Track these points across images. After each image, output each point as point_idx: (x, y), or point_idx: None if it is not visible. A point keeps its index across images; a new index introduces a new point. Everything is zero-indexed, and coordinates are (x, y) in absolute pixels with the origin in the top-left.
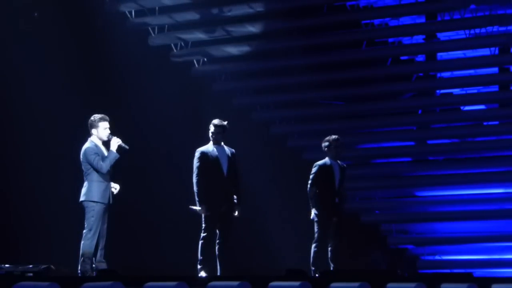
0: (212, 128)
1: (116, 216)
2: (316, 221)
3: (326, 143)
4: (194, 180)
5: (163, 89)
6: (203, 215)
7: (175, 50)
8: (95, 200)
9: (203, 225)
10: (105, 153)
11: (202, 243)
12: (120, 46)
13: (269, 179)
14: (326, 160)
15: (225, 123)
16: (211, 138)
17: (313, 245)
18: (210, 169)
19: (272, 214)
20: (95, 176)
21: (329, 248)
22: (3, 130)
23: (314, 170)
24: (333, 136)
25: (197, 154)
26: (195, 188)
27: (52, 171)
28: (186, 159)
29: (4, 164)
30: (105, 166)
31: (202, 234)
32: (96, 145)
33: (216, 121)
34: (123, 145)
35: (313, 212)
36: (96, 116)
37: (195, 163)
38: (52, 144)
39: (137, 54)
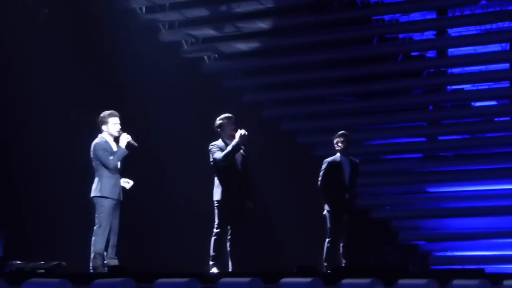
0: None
1: (128, 213)
2: (328, 217)
3: (335, 139)
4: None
5: (173, 85)
6: (216, 211)
7: (185, 47)
8: (105, 195)
9: (216, 221)
10: (115, 149)
11: (214, 239)
12: (130, 43)
13: (279, 175)
14: (336, 156)
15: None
16: (223, 133)
17: (326, 241)
18: (219, 167)
19: (282, 211)
20: (105, 172)
21: (341, 244)
22: (13, 127)
23: (323, 166)
24: (341, 132)
25: (214, 148)
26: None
27: (63, 167)
28: (197, 155)
29: (15, 161)
30: (112, 161)
31: (215, 230)
32: (105, 141)
33: (228, 115)
34: (132, 142)
35: (325, 208)
36: (106, 112)
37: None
38: (64, 140)
39: (148, 50)
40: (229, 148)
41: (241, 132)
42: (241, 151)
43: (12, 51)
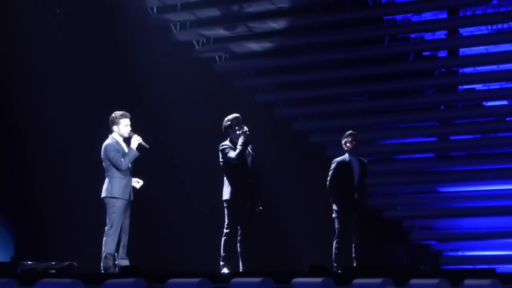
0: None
1: (138, 213)
2: (337, 217)
3: (344, 139)
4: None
5: (184, 85)
6: (227, 211)
7: (197, 47)
8: (116, 196)
9: (226, 221)
10: (126, 149)
11: (225, 240)
12: (142, 43)
13: (291, 175)
14: (345, 156)
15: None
16: (232, 133)
17: (335, 241)
18: (232, 166)
19: (294, 210)
20: (115, 172)
21: (352, 245)
22: (24, 126)
23: (332, 166)
24: (350, 132)
25: (227, 148)
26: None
27: (74, 168)
28: (208, 155)
29: (26, 161)
30: (124, 163)
31: (226, 231)
32: (116, 142)
33: (235, 115)
34: (143, 143)
35: (334, 207)
36: (118, 113)
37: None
38: (75, 141)
39: (159, 51)
40: (240, 146)
41: (243, 129)
42: (250, 150)
43: (26, 51)
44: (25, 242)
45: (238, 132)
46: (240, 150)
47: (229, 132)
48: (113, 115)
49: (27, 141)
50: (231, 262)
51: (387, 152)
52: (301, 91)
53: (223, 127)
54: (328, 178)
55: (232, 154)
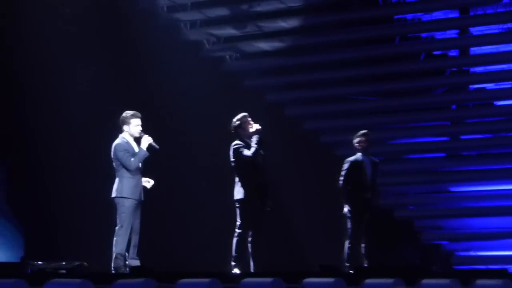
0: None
1: (149, 213)
2: (349, 217)
3: (356, 139)
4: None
5: (194, 85)
6: (239, 211)
7: (207, 46)
8: (126, 196)
9: (239, 221)
10: (136, 150)
11: (237, 240)
12: (151, 42)
13: (301, 175)
14: (358, 156)
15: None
16: (243, 132)
17: (347, 241)
18: (248, 163)
19: (304, 210)
20: (125, 172)
21: (363, 245)
22: (36, 126)
23: (345, 166)
24: (363, 131)
25: (242, 147)
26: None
27: (85, 167)
28: (218, 155)
29: (36, 161)
30: (133, 163)
31: (238, 231)
32: (126, 142)
33: (244, 114)
34: (153, 144)
35: (346, 208)
36: (128, 113)
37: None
38: (86, 140)
39: (169, 50)
40: (255, 144)
41: (256, 127)
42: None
43: (34, 51)
44: (35, 242)
45: (251, 130)
46: (256, 148)
47: (238, 132)
48: (123, 114)
49: (38, 140)
50: (242, 262)
51: (397, 152)
52: (311, 91)
53: (232, 127)
54: (341, 178)
55: (247, 152)
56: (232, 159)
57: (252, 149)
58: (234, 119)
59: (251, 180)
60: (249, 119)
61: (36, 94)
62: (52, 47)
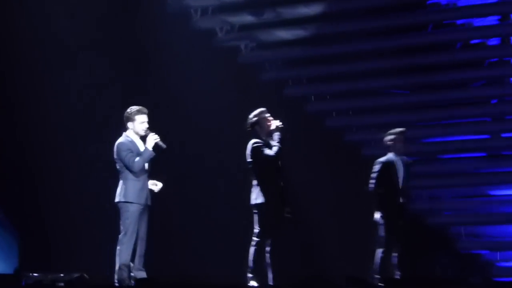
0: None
1: (156, 219)
2: (381, 224)
3: (390, 137)
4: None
5: (206, 78)
6: (257, 217)
7: (220, 35)
8: (130, 200)
9: (257, 229)
10: (141, 149)
11: (254, 249)
12: (158, 32)
13: (324, 177)
14: (390, 156)
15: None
16: (261, 130)
17: (379, 251)
18: (269, 164)
19: (328, 216)
20: (129, 174)
21: (395, 254)
22: (31, 127)
23: (376, 168)
24: (398, 129)
25: (263, 146)
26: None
27: (86, 170)
28: (232, 155)
29: (33, 163)
30: (137, 164)
31: (255, 239)
32: (131, 141)
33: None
34: (160, 143)
35: (377, 214)
36: (133, 108)
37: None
38: (85, 141)
39: (178, 39)
40: (277, 143)
41: (277, 123)
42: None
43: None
44: (30, 251)
45: (271, 128)
46: (279, 147)
47: (256, 129)
48: (128, 110)
49: (33, 141)
50: (259, 274)
51: (432, 151)
52: (335, 84)
53: (248, 124)
54: (372, 181)
55: (269, 152)
56: (250, 160)
57: (275, 148)
58: (251, 115)
59: (271, 182)
60: (268, 115)
61: (29, 93)
62: (50, 38)
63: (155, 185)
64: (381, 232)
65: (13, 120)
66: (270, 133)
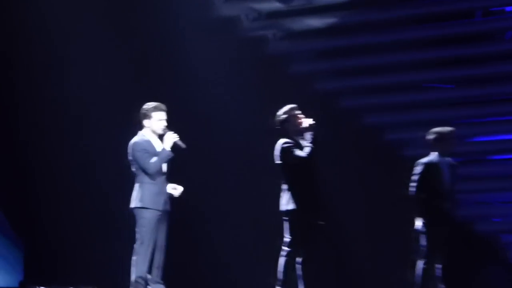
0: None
1: (175, 226)
2: (423, 233)
3: (435, 136)
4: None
5: (230, 71)
6: (288, 225)
7: (245, 23)
8: (147, 206)
9: (288, 237)
10: (159, 150)
11: (285, 260)
12: (177, 20)
13: (361, 180)
14: (433, 157)
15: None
16: (291, 128)
17: (421, 262)
18: (301, 166)
19: (364, 223)
20: (146, 177)
21: (439, 266)
22: (41, 126)
23: (418, 170)
24: (446, 128)
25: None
26: None
27: (98, 173)
28: (258, 155)
29: (38, 167)
30: (153, 166)
31: (285, 249)
32: (147, 140)
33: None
34: (179, 142)
35: (419, 221)
36: (150, 105)
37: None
38: (97, 142)
39: (199, 29)
40: (308, 143)
41: (309, 121)
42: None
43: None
44: (36, 263)
45: (302, 126)
46: (311, 148)
47: (285, 128)
48: (144, 107)
49: (37, 148)
50: (290, 287)
51: (480, 151)
52: (372, 78)
53: (277, 122)
54: (413, 184)
55: (300, 153)
56: (279, 161)
57: (307, 149)
58: (280, 112)
59: (303, 187)
60: (299, 112)
61: (31, 91)
62: (56, 24)
63: (175, 189)
64: (423, 241)
65: (18, 117)
66: (301, 132)
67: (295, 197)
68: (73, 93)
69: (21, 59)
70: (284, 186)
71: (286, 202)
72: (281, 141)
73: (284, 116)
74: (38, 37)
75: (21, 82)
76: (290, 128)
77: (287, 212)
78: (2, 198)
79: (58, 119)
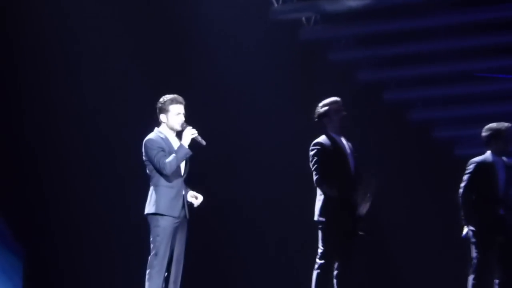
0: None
1: (195, 236)
2: (473, 242)
3: (490, 133)
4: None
5: (258, 59)
6: (322, 236)
7: (276, 5)
8: (162, 212)
9: (321, 248)
10: (176, 147)
11: (318, 273)
12: (199, 3)
13: (406, 183)
14: (487, 156)
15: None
16: (330, 124)
17: (471, 277)
18: (336, 168)
19: (409, 232)
20: (161, 179)
21: (496, 281)
22: (45, 127)
23: (469, 169)
24: (503, 124)
25: (317, 148)
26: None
27: (107, 175)
28: (292, 158)
29: (41, 167)
30: (169, 165)
31: (319, 261)
32: (163, 137)
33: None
34: (199, 139)
35: (468, 228)
36: (167, 97)
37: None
38: (108, 139)
39: (224, 11)
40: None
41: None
42: (350, 146)
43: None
44: (37, 272)
45: (341, 124)
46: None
47: (324, 122)
48: (160, 100)
49: (42, 150)
50: None
51: None
52: (419, 67)
53: (316, 114)
54: (462, 185)
55: (316, 177)
56: (311, 163)
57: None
58: (321, 103)
59: (341, 194)
60: (341, 106)
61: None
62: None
63: (195, 198)
64: (474, 251)
65: (21, 130)
66: (341, 129)
67: (330, 205)
68: (80, 93)
69: (25, 59)
70: (319, 193)
71: (320, 211)
72: (315, 141)
73: (325, 108)
74: (45, 36)
75: (25, 84)
76: (329, 123)
77: (321, 222)
78: (1, 206)
79: (63, 123)
